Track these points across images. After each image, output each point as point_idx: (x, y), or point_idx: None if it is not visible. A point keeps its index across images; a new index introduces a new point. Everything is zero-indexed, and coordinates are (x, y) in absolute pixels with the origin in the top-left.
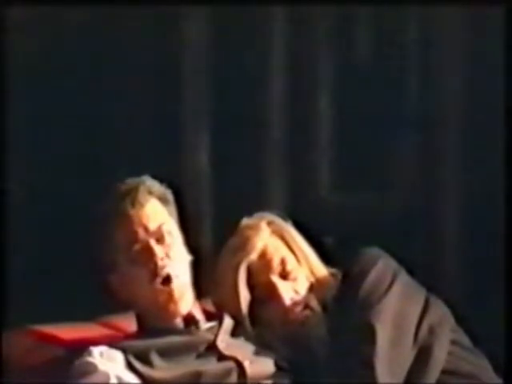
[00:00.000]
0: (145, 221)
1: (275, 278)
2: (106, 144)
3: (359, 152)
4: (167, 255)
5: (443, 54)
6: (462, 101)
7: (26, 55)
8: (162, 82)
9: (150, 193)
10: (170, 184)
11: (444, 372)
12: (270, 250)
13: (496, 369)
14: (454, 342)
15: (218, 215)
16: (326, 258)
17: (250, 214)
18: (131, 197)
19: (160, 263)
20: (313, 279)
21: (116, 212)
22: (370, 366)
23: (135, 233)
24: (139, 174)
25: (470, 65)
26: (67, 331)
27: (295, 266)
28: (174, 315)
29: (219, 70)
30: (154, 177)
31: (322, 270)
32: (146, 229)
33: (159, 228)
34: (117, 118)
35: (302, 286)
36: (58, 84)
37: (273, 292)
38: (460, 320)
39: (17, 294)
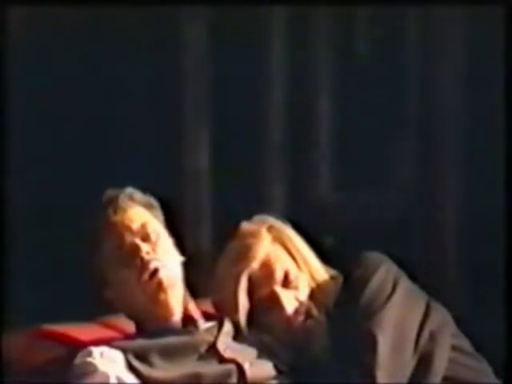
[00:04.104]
0: (128, 223)
1: (277, 288)
2: (106, 144)
3: (359, 152)
4: (153, 250)
5: (443, 54)
6: (461, 101)
7: (26, 55)
8: (162, 82)
9: (132, 199)
10: (155, 193)
11: (445, 378)
12: (272, 259)
13: (497, 373)
14: (454, 348)
15: (217, 215)
16: (326, 258)
17: (249, 214)
18: (113, 204)
19: (146, 257)
20: (313, 285)
21: (101, 222)
22: (370, 375)
23: (121, 237)
24: (140, 173)
25: (469, 65)
26: (72, 330)
27: (297, 274)
28: (166, 307)
29: (219, 70)
30: (143, 186)
31: (322, 275)
32: (130, 230)
33: (143, 226)
34: (117, 118)
35: (304, 294)
36: (57, 84)
37: (275, 302)
38: (459, 322)
39: (17, 294)
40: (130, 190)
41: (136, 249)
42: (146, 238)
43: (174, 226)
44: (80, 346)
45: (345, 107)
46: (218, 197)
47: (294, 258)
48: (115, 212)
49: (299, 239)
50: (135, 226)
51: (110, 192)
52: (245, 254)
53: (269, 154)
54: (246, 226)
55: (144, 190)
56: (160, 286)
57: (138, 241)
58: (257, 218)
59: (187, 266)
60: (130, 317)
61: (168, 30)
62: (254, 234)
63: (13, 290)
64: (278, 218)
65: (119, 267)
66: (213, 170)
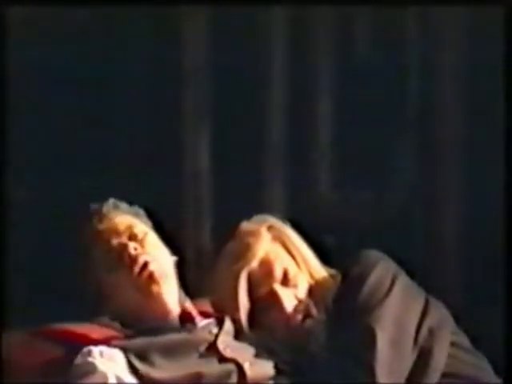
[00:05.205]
0: (114, 227)
1: (277, 287)
2: (105, 144)
3: (359, 152)
4: (141, 246)
5: (443, 54)
6: (461, 100)
7: (26, 55)
8: (162, 82)
9: (116, 208)
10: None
11: (444, 375)
12: (271, 258)
13: (496, 370)
14: (453, 344)
15: (217, 215)
16: (325, 257)
17: (249, 214)
18: (98, 215)
19: (134, 253)
20: (313, 283)
21: (87, 233)
22: (370, 370)
23: (108, 241)
24: (139, 174)
25: (469, 65)
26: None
27: (296, 273)
28: (160, 300)
29: (219, 70)
30: (142, 186)
31: (322, 274)
32: (116, 233)
33: (129, 228)
34: (117, 118)
35: (303, 292)
36: (58, 84)
37: (275, 300)
38: (459, 321)
39: (17, 294)
40: (113, 200)
41: (124, 247)
42: (132, 236)
43: (164, 234)
44: (83, 343)
45: (345, 107)
46: (218, 197)
47: (293, 257)
48: (101, 221)
49: (298, 239)
50: (121, 228)
51: (93, 205)
52: (244, 253)
53: (269, 154)
54: (245, 225)
55: (144, 190)
56: (151, 278)
57: (124, 240)
58: (256, 217)
59: (187, 266)
60: (127, 319)
61: (168, 30)
62: (254, 233)
63: (13, 290)
64: (277, 217)
65: (110, 271)
66: (213, 170)
